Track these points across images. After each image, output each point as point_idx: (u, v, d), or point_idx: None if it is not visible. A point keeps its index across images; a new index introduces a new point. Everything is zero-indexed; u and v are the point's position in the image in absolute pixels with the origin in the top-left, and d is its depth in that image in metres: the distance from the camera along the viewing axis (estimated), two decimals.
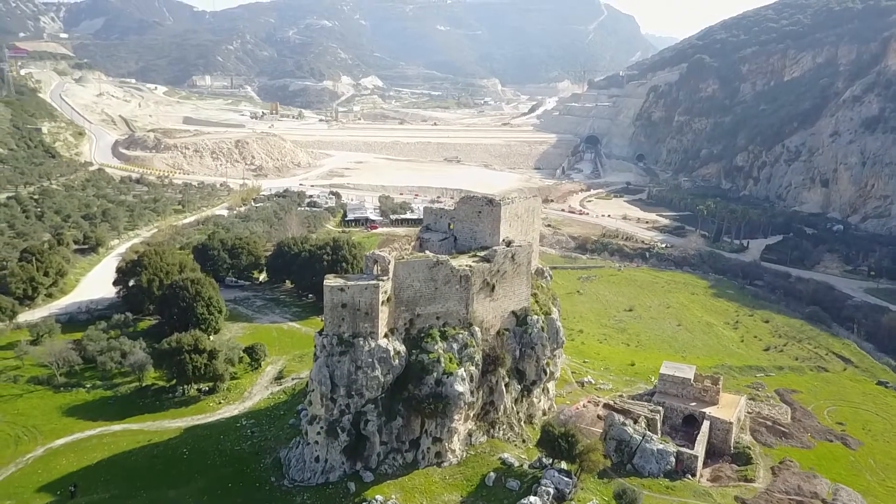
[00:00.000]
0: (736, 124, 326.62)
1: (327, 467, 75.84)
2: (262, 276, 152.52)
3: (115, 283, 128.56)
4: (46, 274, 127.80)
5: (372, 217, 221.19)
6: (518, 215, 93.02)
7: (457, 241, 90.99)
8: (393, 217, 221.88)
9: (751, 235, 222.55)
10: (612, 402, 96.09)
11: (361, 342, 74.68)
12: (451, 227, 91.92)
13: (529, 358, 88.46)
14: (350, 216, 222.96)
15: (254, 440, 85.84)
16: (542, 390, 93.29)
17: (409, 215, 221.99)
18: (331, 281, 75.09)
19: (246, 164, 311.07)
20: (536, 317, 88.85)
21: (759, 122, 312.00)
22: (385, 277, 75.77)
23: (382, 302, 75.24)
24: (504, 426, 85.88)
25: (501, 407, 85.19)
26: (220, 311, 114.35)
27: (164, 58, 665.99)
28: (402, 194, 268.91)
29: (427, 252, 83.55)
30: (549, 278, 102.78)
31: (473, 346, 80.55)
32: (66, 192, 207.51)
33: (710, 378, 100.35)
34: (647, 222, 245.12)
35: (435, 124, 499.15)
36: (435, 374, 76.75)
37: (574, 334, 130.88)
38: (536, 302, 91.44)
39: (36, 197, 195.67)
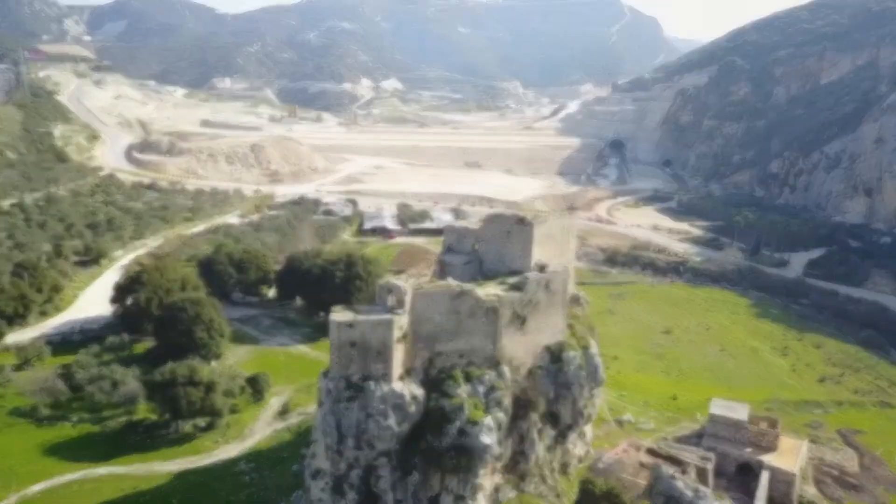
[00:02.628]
0: (770, 129, 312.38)
1: None
2: (272, 293, 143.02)
3: (112, 301, 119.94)
4: (40, 290, 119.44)
5: (390, 226, 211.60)
6: (552, 235, 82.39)
7: (482, 265, 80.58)
8: (412, 226, 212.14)
9: (791, 248, 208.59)
10: (656, 447, 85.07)
11: (373, 386, 64.88)
12: (476, 248, 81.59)
13: (565, 399, 77.66)
14: (367, 225, 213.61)
15: (251, 489, 76.39)
16: (579, 434, 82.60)
17: (428, 224, 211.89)
18: (338, 315, 65.08)
19: (262, 168, 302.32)
20: (573, 353, 78.03)
21: (795, 126, 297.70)
22: (401, 311, 65.80)
23: (398, 339, 65.36)
24: (535, 479, 75.34)
25: (533, 457, 74.85)
26: (221, 335, 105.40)
27: (184, 60, 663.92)
28: (420, 202, 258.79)
29: (449, 279, 73.42)
30: (585, 305, 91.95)
31: (502, 389, 70.32)
32: (72, 199, 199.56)
33: (766, 420, 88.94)
34: (679, 233, 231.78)
35: (455, 128, 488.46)
36: (458, 423, 66.55)
37: (608, 361, 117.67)
38: (573, 334, 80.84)
39: (41, 204, 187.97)
